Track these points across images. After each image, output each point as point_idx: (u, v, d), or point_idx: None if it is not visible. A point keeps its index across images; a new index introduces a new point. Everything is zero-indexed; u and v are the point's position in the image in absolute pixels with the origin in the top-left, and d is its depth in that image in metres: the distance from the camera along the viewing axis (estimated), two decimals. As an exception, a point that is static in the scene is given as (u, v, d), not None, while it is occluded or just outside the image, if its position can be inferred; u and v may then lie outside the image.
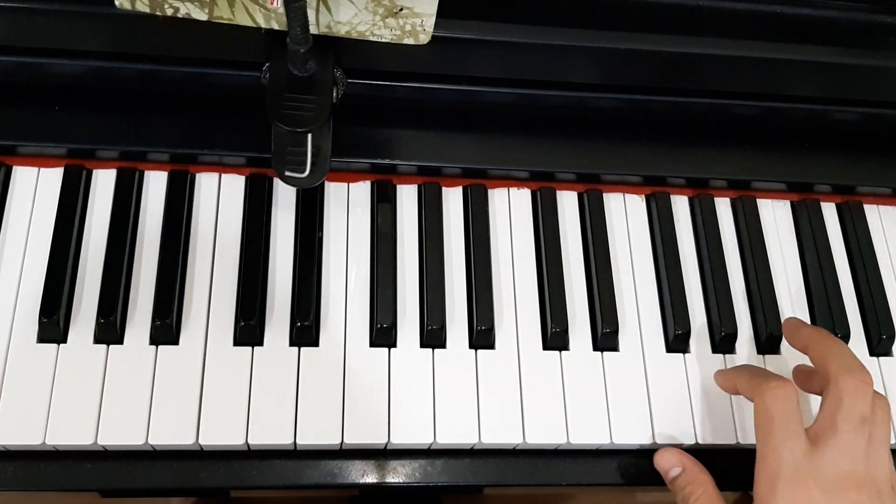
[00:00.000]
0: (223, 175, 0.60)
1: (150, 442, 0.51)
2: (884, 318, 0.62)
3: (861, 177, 0.66)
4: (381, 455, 0.55)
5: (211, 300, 0.56)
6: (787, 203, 0.66)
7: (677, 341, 0.59)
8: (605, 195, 0.63)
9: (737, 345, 0.60)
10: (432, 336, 0.56)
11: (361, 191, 0.61)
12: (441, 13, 0.48)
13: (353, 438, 0.53)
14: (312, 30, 0.48)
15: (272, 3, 0.46)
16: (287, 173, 0.53)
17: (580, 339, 0.59)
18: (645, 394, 0.57)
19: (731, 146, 0.65)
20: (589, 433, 0.55)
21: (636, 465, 0.57)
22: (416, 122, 0.61)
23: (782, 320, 0.61)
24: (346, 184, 0.61)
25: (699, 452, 0.56)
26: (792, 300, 0.63)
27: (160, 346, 0.54)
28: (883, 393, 0.60)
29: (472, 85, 0.59)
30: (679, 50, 0.56)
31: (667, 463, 0.55)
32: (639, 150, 0.63)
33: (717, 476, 0.54)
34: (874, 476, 0.48)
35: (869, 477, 0.48)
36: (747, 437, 0.57)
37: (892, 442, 0.53)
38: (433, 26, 0.49)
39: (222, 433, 0.52)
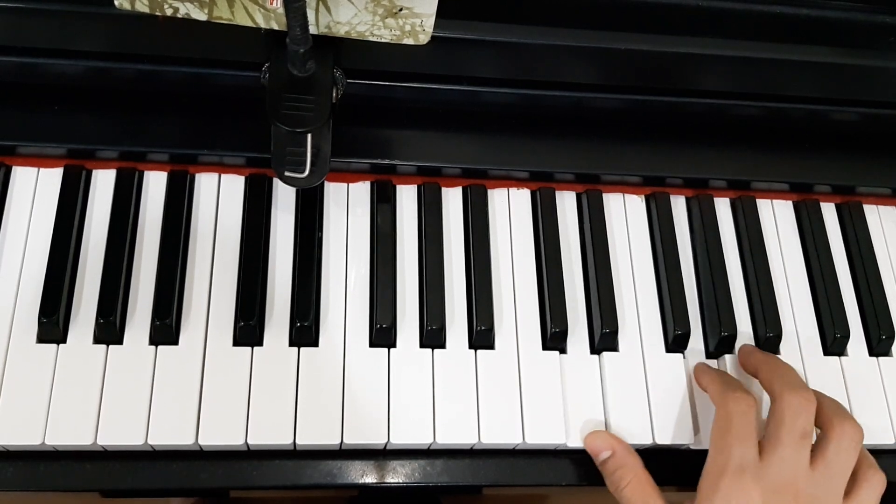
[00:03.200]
0: (223, 175, 0.60)
1: (150, 442, 0.51)
2: (883, 319, 0.62)
3: (861, 177, 0.66)
4: (381, 455, 0.55)
5: (210, 300, 0.56)
6: (787, 203, 0.66)
7: (677, 342, 0.59)
8: (604, 195, 0.63)
9: (736, 345, 0.60)
10: (432, 336, 0.56)
11: (361, 191, 0.61)
12: (441, 13, 0.48)
13: (353, 438, 0.53)
14: (312, 30, 0.48)
15: (272, 4, 0.46)
16: (287, 173, 0.53)
17: (580, 339, 0.59)
18: (644, 394, 0.57)
19: (731, 146, 0.65)
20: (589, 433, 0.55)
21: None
22: (416, 123, 0.61)
23: (782, 321, 0.61)
24: (345, 184, 0.61)
25: (699, 453, 0.56)
26: (791, 300, 0.63)
27: (160, 347, 0.54)
28: (882, 393, 0.60)
29: (471, 85, 0.59)
30: (679, 50, 0.56)
31: (597, 445, 0.55)
32: (638, 151, 0.63)
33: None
34: (817, 495, 0.50)
35: (810, 493, 0.49)
36: (747, 438, 0.57)
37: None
38: (433, 26, 0.49)
39: (222, 433, 0.52)
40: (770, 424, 0.51)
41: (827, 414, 0.52)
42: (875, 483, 0.52)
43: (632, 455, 0.54)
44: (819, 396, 0.53)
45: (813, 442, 0.52)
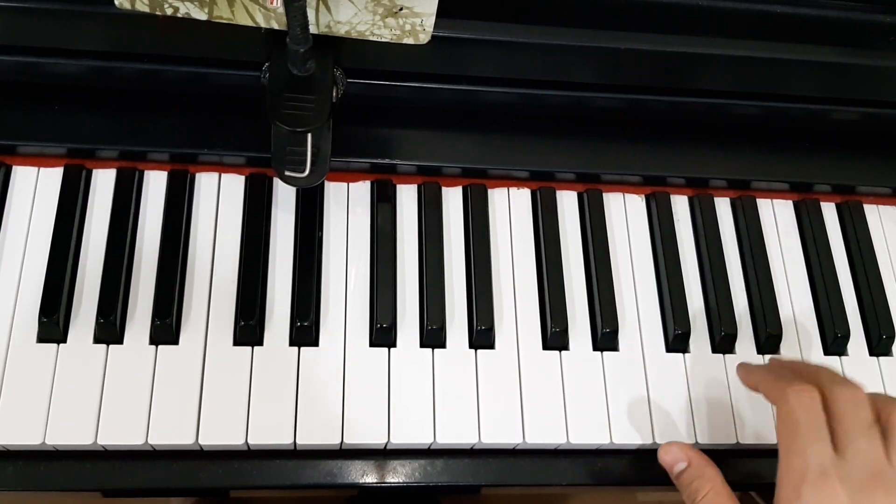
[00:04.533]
0: (223, 175, 0.60)
1: (150, 442, 0.51)
2: (884, 318, 0.62)
3: (861, 177, 0.66)
4: (381, 455, 0.55)
5: (211, 300, 0.56)
6: (788, 203, 0.66)
7: (677, 341, 0.59)
8: (604, 195, 0.63)
9: (736, 345, 0.60)
10: (432, 336, 0.56)
11: (361, 190, 0.61)
12: (441, 13, 0.48)
13: (353, 438, 0.53)
14: (312, 29, 0.48)
15: (272, 3, 0.46)
16: (287, 173, 0.53)
17: (580, 338, 0.59)
18: (645, 394, 0.57)
19: (731, 146, 0.65)
20: (589, 433, 0.55)
21: (636, 465, 0.57)
22: (416, 122, 0.61)
23: (782, 320, 0.61)
24: (345, 183, 0.61)
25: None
26: (792, 300, 0.63)
27: (160, 346, 0.54)
28: (883, 393, 0.60)
29: (471, 85, 0.59)
30: (679, 50, 0.56)
31: (672, 457, 0.53)
32: (639, 150, 0.63)
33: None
34: None
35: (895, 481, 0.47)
36: (746, 438, 0.57)
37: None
38: (433, 26, 0.49)
39: (222, 433, 0.52)
40: (832, 421, 0.49)
41: (878, 403, 0.50)
42: None
43: (709, 466, 0.52)
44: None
45: None
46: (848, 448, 0.47)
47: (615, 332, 0.58)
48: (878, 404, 0.50)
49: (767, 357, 0.60)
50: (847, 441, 0.48)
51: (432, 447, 0.55)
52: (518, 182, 0.63)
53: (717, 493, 0.50)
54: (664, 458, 0.53)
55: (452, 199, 0.62)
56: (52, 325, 0.52)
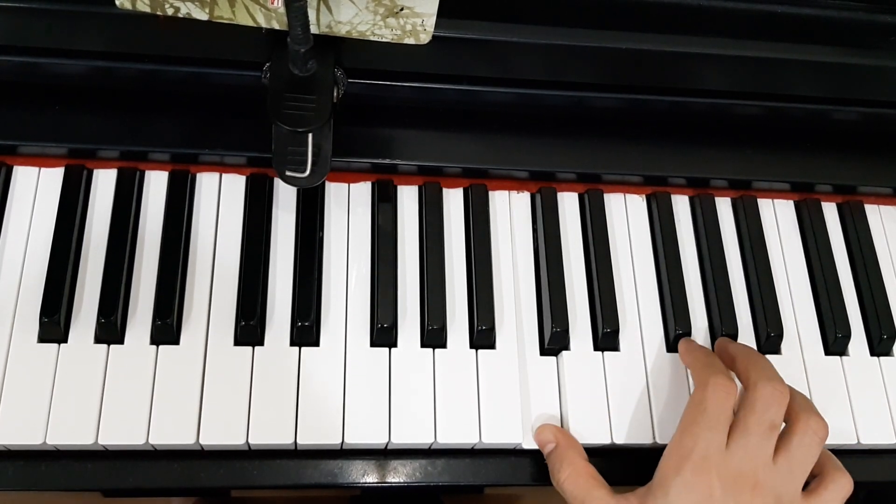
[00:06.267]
0: (224, 175, 0.60)
1: (151, 442, 0.51)
2: (884, 318, 0.62)
3: (862, 177, 0.66)
4: (382, 455, 0.55)
5: (211, 300, 0.56)
6: (789, 203, 0.66)
7: (678, 341, 0.59)
8: (605, 195, 0.63)
9: (737, 345, 0.60)
10: (433, 336, 0.56)
11: (362, 191, 0.61)
12: (442, 13, 0.48)
13: (354, 438, 0.53)
14: (313, 29, 0.48)
15: (273, 3, 0.46)
16: (288, 173, 0.53)
17: (581, 338, 0.59)
18: (646, 393, 0.57)
19: (732, 146, 0.65)
20: (589, 433, 0.55)
21: (636, 464, 0.57)
22: (417, 122, 0.61)
23: (783, 320, 0.61)
24: (346, 184, 0.61)
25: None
26: (792, 300, 0.63)
27: (161, 346, 0.54)
28: (884, 393, 0.60)
29: (472, 85, 0.59)
30: (679, 50, 0.56)
31: (543, 437, 0.55)
32: (639, 150, 0.63)
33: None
34: (775, 487, 0.49)
35: (769, 485, 0.49)
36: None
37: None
38: (434, 26, 0.49)
39: (223, 433, 0.52)
40: (740, 412, 0.51)
41: (795, 408, 0.52)
42: (842, 484, 0.51)
43: (573, 447, 0.54)
44: (791, 391, 0.53)
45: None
46: (738, 442, 0.50)
47: (616, 331, 0.58)
48: (794, 407, 0.52)
49: (768, 357, 0.60)
50: (740, 435, 0.50)
51: (433, 447, 0.55)
52: (519, 182, 0.63)
53: (577, 472, 0.52)
54: (537, 437, 0.55)
55: (453, 200, 0.62)
56: (53, 325, 0.52)
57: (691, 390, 0.58)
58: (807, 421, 0.51)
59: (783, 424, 0.52)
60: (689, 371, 0.57)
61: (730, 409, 0.51)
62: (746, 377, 0.53)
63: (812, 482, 0.52)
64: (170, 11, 0.48)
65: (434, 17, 0.48)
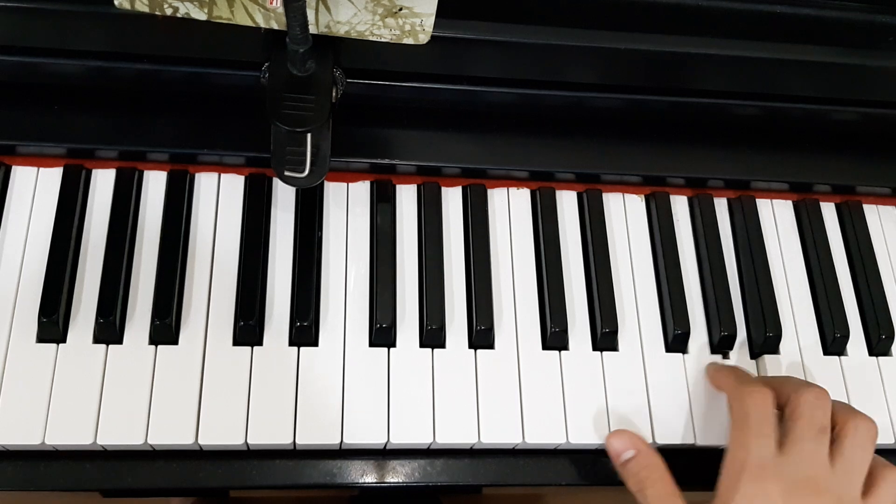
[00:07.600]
0: (222, 175, 0.60)
1: (150, 442, 0.51)
2: (883, 318, 0.62)
3: (860, 177, 0.66)
4: (381, 455, 0.55)
5: (210, 300, 0.56)
6: (787, 203, 0.66)
7: (677, 341, 0.59)
8: (604, 195, 0.63)
9: (736, 345, 0.60)
10: (432, 336, 0.56)
11: (361, 191, 0.61)
12: (441, 13, 0.48)
13: (353, 438, 0.53)
14: (312, 29, 0.48)
15: (271, 3, 0.46)
16: (286, 173, 0.53)
17: (580, 339, 0.59)
18: (644, 394, 0.57)
19: (731, 146, 0.65)
20: (588, 433, 0.56)
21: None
22: (416, 122, 0.61)
23: (782, 320, 0.61)
24: (345, 184, 0.61)
25: (698, 452, 0.56)
26: (791, 300, 0.63)
27: (159, 346, 0.54)
28: (882, 393, 0.60)
29: (471, 85, 0.59)
30: (679, 50, 0.56)
31: (622, 444, 0.54)
32: (638, 150, 0.63)
33: (712, 475, 0.54)
34: (837, 489, 0.49)
35: (831, 487, 0.49)
36: (747, 437, 0.57)
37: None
38: (433, 26, 0.49)
39: (222, 433, 0.52)
40: (787, 422, 0.51)
41: (838, 412, 0.52)
42: (892, 480, 0.51)
43: (655, 455, 0.53)
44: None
45: None
46: (793, 448, 0.50)
47: (615, 332, 0.58)
48: (839, 413, 0.52)
49: (767, 357, 0.60)
50: (793, 441, 0.50)
51: (432, 447, 0.55)
52: (518, 182, 0.63)
53: (663, 482, 0.52)
54: (613, 443, 0.54)
55: (452, 199, 0.62)
56: (52, 325, 0.52)
57: (691, 391, 0.58)
58: (855, 422, 0.51)
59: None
60: (726, 397, 0.56)
61: (772, 413, 0.51)
62: (782, 391, 0.53)
63: (865, 483, 0.51)
64: (168, 11, 0.48)
65: (433, 18, 0.48)
